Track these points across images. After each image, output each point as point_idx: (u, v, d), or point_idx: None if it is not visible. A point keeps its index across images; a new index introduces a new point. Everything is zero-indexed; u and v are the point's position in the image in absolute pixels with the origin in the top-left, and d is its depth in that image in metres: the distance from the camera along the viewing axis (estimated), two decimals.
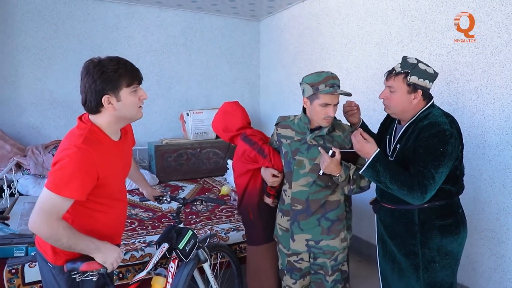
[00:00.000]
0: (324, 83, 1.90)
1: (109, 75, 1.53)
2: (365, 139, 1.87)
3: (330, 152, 1.90)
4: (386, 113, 2.09)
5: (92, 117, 1.64)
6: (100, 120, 1.63)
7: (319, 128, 2.04)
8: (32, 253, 2.45)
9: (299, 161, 2.06)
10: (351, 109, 2.24)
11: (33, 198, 3.71)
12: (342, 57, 4.10)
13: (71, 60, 4.63)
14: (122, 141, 1.76)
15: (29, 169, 3.97)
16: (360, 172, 1.89)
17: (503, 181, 2.65)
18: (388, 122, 2.20)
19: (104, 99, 1.55)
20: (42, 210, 1.47)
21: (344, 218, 2.16)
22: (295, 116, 2.20)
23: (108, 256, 1.63)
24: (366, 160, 1.86)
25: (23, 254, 2.46)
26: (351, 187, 2.01)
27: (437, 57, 3.02)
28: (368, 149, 1.84)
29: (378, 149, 1.84)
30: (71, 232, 1.51)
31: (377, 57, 3.63)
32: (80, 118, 1.68)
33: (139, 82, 1.66)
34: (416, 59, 1.87)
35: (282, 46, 5.33)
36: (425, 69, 1.84)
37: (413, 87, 1.85)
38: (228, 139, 2.54)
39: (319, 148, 1.99)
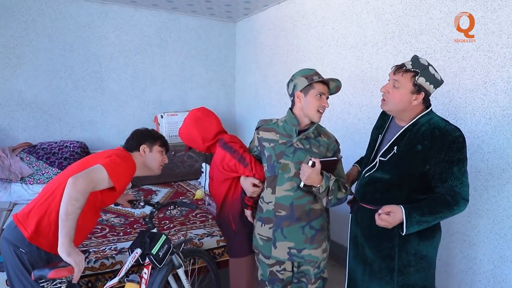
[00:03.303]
0: (317, 76, 2.02)
1: (153, 134, 2.26)
2: (387, 213, 1.82)
3: (310, 162, 1.88)
4: (369, 116, 2.10)
5: None
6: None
7: (305, 130, 2.05)
8: None
9: (284, 165, 2.02)
10: None
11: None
12: (317, 60, 4.12)
13: (42, 60, 4.50)
14: None
15: None
16: (404, 234, 1.81)
17: (474, 184, 2.70)
18: (380, 122, 2.16)
19: (142, 146, 2.18)
20: (89, 175, 1.78)
21: (326, 227, 2.16)
22: (277, 119, 2.18)
23: (77, 256, 1.68)
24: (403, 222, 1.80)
25: None
26: (329, 197, 1.98)
27: None
28: (397, 217, 1.79)
29: (401, 207, 1.80)
30: (80, 210, 1.73)
31: (352, 60, 3.65)
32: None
33: (167, 151, 2.31)
34: (427, 61, 1.86)
35: (257, 48, 5.32)
36: (434, 74, 1.83)
37: (418, 88, 1.82)
38: (205, 149, 2.40)
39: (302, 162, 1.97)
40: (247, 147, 2.37)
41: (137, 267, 2.45)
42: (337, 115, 3.89)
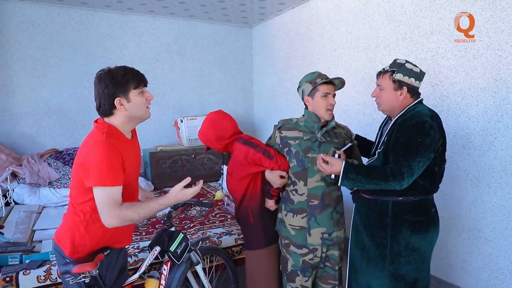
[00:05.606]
0: (320, 78, 2.16)
1: (119, 80, 1.73)
2: (326, 161, 2.00)
3: (336, 155, 2.07)
4: (383, 115, 2.22)
5: (106, 120, 1.81)
6: (114, 121, 1.80)
7: (326, 124, 2.22)
8: (26, 261, 2.47)
9: (312, 158, 2.18)
10: None
11: (28, 207, 3.74)
12: (332, 62, 4.17)
13: (66, 69, 4.69)
14: (133, 140, 1.94)
15: (24, 178, 3.98)
16: (338, 185, 2.02)
17: (488, 181, 2.71)
18: (384, 122, 2.28)
19: (116, 101, 1.73)
20: (104, 205, 1.64)
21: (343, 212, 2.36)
22: (297, 118, 2.33)
23: (181, 196, 1.86)
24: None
25: (18, 262, 2.47)
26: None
27: (422, 61, 3.08)
28: (336, 168, 1.97)
29: (343, 161, 1.97)
30: (136, 207, 1.70)
31: (366, 61, 3.70)
32: (96, 121, 1.84)
33: (145, 85, 1.84)
34: (405, 60, 2.01)
35: (274, 52, 5.40)
36: (412, 68, 1.97)
37: (399, 84, 1.98)
38: (221, 147, 2.49)
39: (320, 156, 2.06)
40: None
41: (158, 265, 2.55)
42: (353, 115, 3.93)
